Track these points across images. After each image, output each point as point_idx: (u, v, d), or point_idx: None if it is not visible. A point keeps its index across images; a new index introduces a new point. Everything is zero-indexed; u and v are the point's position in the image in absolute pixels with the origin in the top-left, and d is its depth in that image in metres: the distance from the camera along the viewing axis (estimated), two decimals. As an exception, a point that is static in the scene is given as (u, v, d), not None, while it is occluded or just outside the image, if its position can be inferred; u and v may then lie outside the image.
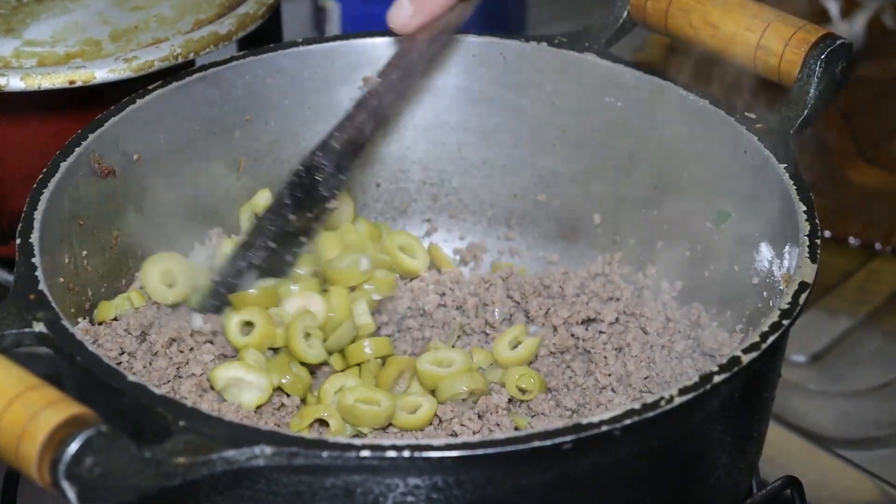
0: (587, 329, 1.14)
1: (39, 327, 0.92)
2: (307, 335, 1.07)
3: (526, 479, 0.87)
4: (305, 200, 1.09)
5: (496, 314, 1.16)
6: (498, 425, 1.05)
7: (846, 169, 1.64)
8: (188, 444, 0.82)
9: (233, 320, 1.06)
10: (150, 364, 1.06)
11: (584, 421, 0.85)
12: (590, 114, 1.18)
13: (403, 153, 1.25)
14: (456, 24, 1.16)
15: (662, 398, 0.86)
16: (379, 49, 1.20)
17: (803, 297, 0.95)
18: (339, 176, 1.09)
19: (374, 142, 1.24)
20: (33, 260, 0.97)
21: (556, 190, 1.23)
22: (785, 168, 1.05)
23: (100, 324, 1.07)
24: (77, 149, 1.07)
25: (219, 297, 1.08)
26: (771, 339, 0.92)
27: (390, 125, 1.23)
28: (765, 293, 1.05)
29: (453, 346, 1.14)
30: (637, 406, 0.86)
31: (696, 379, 0.88)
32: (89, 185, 1.08)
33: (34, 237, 0.99)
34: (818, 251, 0.98)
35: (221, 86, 1.17)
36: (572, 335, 1.13)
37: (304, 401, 1.07)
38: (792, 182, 1.04)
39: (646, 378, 1.09)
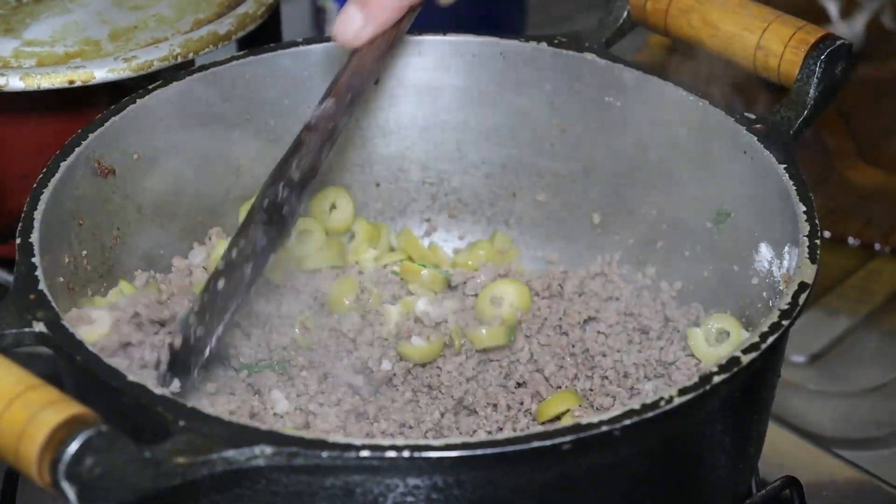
0: (586, 329, 1.14)
1: (39, 327, 0.92)
2: None
3: (526, 479, 0.87)
4: (278, 237, 1.03)
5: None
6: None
7: (845, 169, 1.64)
8: (188, 444, 0.82)
9: None
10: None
11: (584, 421, 0.85)
12: (590, 114, 1.18)
13: (403, 153, 1.25)
14: (403, 31, 1.10)
15: (662, 398, 0.86)
16: (378, 49, 1.20)
17: (803, 297, 0.95)
18: (301, 205, 1.05)
19: (373, 142, 1.24)
20: (33, 260, 0.97)
21: (556, 190, 1.23)
22: (785, 168, 1.05)
23: None
24: (77, 149, 1.07)
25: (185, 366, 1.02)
26: (770, 339, 0.92)
27: (389, 125, 1.23)
28: (764, 293, 1.05)
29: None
30: (637, 406, 0.86)
31: (695, 379, 0.88)
32: (89, 185, 1.08)
33: (34, 237, 0.99)
34: (818, 252, 0.98)
35: (221, 86, 1.17)
36: (572, 335, 1.13)
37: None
38: (791, 182, 1.04)
39: (645, 378, 1.10)
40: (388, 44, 1.08)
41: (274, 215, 1.02)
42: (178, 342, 1.01)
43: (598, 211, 1.21)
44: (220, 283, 1.01)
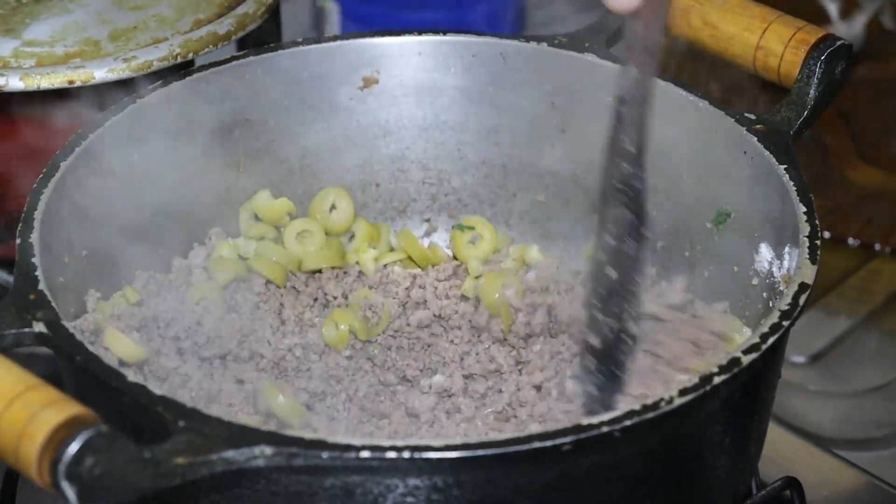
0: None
1: (39, 327, 0.92)
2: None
3: (526, 480, 0.87)
4: (641, 211, 1.00)
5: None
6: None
7: (845, 169, 1.64)
8: (188, 445, 0.82)
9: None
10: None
11: (584, 421, 0.85)
12: (590, 114, 1.18)
13: (403, 153, 1.25)
14: None
15: (662, 399, 0.86)
16: (378, 49, 1.20)
17: (803, 297, 0.95)
18: (647, 178, 1.00)
19: (373, 142, 1.24)
20: (33, 260, 0.97)
21: (556, 190, 1.23)
22: (785, 169, 1.05)
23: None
24: (77, 149, 1.07)
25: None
26: (771, 339, 0.91)
27: (389, 125, 1.23)
28: (764, 294, 1.05)
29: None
30: (637, 407, 0.86)
31: (695, 380, 0.88)
32: (89, 185, 1.08)
33: (34, 237, 0.99)
34: (818, 252, 0.98)
35: (221, 86, 1.17)
36: (572, 336, 1.13)
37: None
38: (792, 183, 1.04)
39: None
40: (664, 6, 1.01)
41: (628, 191, 1.00)
42: (596, 342, 1.00)
43: (598, 211, 1.21)
44: (610, 271, 0.99)
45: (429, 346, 1.16)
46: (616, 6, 0.98)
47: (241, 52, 1.19)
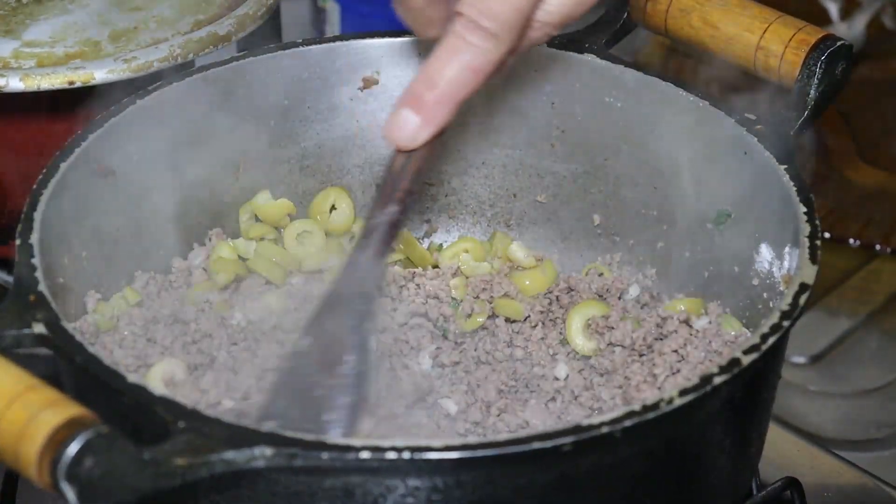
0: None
1: (39, 328, 0.92)
2: None
3: (526, 480, 0.87)
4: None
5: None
6: None
7: (845, 169, 1.64)
8: (188, 445, 0.82)
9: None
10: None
11: (585, 422, 0.85)
12: (590, 114, 1.18)
13: (403, 153, 1.25)
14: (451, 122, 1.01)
15: (662, 399, 0.86)
16: (378, 49, 1.20)
17: (803, 298, 0.94)
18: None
19: (373, 143, 1.24)
20: (33, 261, 0.97)
21: (556, 190, 1.23)
22: (785, 169, 1.05)
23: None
24: (77, 149, 1.07)
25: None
26: (771, 340, 0.91)
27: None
28: (765, 294, 1.05)
29: None
30: (637, 407, 0.86)
31: (696, 380, 0.88)
32: (89, 185, 1.08)
33: (34, 238, 0.99)
34: (818, 252, 0.98)
35: (221, 86, 1.17)
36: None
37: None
38: (792, 183, 1.03)
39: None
40: (440, 139, 1.00)
41: (359, 328, 0.96)
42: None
43: (599, 212, 1.21)
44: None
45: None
46: (395, 143, 0.98)
47: (241, 53, 1.19)
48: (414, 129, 0.98)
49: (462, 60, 0.97)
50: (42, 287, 0.95)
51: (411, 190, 0.99)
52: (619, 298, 1.16)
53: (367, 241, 0.97)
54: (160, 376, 1.03)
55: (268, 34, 1.33)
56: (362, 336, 0.95)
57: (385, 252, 0.98)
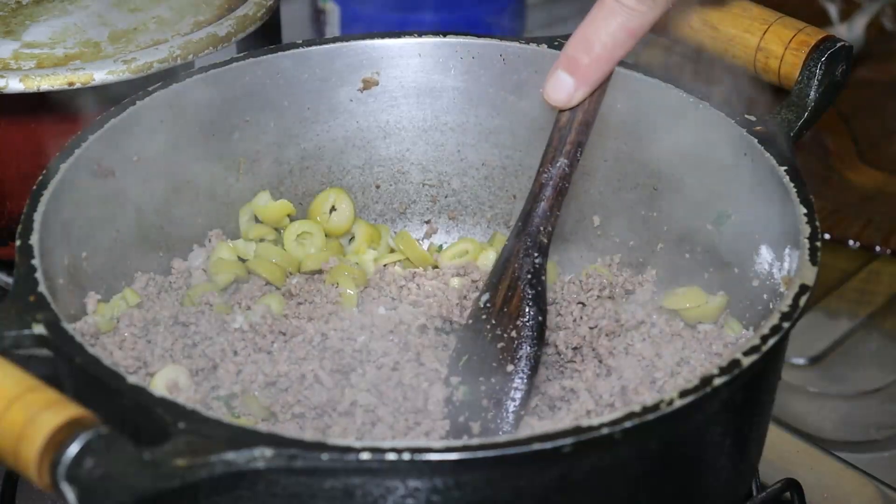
0: (586, 330, 1.14)
1: (39, 329, 0.92)
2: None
3: (526, 481, 0.87)
4: (542, 300, 1.05)
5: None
6: None
7: (845, 170, 1.64)
8: (188, 446, 0.82)
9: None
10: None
11: (584, 423, 0.85)
12: (590, 115, 1.18)
13: (403, 154, 1.25)
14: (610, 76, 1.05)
15: (662, 400, 0.86)
16: (378, 50, 1.20)
17: (803, 299, 0.94)
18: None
19: (373, 143, 1.24)
20: (33, 261, 0.97)
21: (556, 191, 1.22)
22: (785, 170, 1.05)
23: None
24: (77, 150, 1.07)
25: None
26: (771, 341, 0.91)
27: (389, 126, 1.23)
28: (765, 295, 1.05)
29: None
30: (637, 408, 0.86)
31: (695, 381, 0.88)
32: (89, 186, 1.08)
33: (34, 239, 0.99)
34: (818, 254, 0.98)
35: (221, 87, 1.17)
36: (572, 337, 1.13)
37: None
38: (792, 184, 1.03)
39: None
40: (602, 89, 1.05)
41: (535, 280, 1.04)
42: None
43: (599, 213, 1.21)
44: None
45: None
46: (553, 103, 1.04)
47: (241, 54, 1.19)
48: (570, 90, 1.03)
49: (618, 22, 1.01)
50: (42, 288, 0.95)
51: (579, 141, 1.04)
52: (621, 299, 1.16)
53: (541, 195, 1.04)
54: (163, 383, 1.04)
55: (268, 35, 1.33)
56: (539, 288, 1.03)
57: (558, 205, 1.04)
